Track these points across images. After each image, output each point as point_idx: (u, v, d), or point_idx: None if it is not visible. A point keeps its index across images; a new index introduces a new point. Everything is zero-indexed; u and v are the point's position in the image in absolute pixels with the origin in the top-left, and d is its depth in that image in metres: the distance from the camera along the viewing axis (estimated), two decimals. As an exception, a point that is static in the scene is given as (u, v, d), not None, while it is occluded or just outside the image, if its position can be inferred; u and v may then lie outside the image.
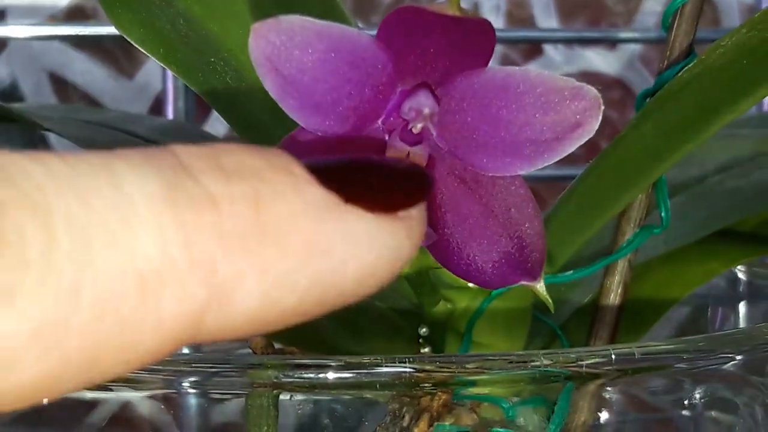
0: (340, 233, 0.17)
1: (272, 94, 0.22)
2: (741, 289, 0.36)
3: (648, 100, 0.28)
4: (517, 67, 0.22)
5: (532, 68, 0.22)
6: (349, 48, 0.22)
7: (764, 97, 0.26)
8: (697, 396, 0.28)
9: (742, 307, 0.36)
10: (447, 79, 0.23)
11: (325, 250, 0.17)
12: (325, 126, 0.23)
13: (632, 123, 0.27)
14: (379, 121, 0.23)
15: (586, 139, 0.22)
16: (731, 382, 0.28)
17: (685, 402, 0.28)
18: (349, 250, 0.17)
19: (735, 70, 0.25)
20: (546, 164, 0.23)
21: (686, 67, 0.26)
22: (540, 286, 0.24)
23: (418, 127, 0.23)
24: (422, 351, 0.30)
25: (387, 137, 0.23)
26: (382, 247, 0.18)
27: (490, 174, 0.23)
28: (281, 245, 0.17)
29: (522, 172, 0.23)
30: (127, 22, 0.27)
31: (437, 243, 0.24)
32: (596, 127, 0.22)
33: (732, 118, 0.26)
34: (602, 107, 0.22)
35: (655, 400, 0.28)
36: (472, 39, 0.22)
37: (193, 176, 0.17)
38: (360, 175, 0.18)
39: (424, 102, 0.23)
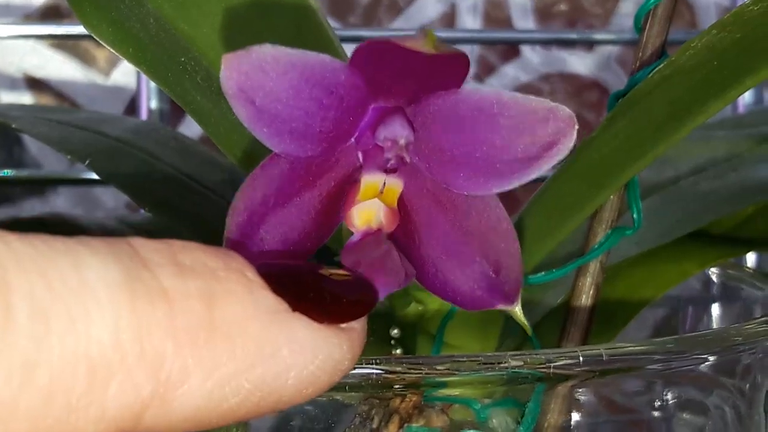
0: (286, 339, 0.18)
1: (245, 122, 0.22)
2: (714, 291, 0.36)
3: (619, 101, 0.28)
4: (490, 89, 0.22)
5: (506, 91, 0.22)
6: (322, 74, 0.21)
7: (734, 99, 0.26)
8: (668, 397, 0.28)
9: (715, 308, 0.36)
10: (421, 98, 0.23)
11: (270, 354, 0.17)
12: (299, 150, 0.22)
13: (603, 124, 0.27)
14: (353, 139, 0.23)
15: (561, 158, 0.22)
16: (702, 383, 0.28)
17: (656, 403, 0.28)
18: (294, 357, 0.18)
19: (705, 72, 0.25)
20: (521, 183, 0.23)
21: (657, 69, 0.26)
22: (518, 310, 0.24)
23: (393, 156, 0.23)
24: (393, 352, 0.30)
25: (360, 157, 0.23)
26: (324, 357, 0.18)
27: (465, 193, 0.23)
28: (229, 345, 0.17)
29: (497, 191, 0.23)
30: (95, 20, 0.26)
31: (413, 261, 0.24)
32: (571, 145, 0.22)
33: (702, 120, 0.26)
34: (576, 126, 0.22)
35: (626, 401, 0.28)
36: (447, 68, 0.22)
37: (150, 269, 0.17)
38: (309, 284, 0.19)
39: (399, 132, 0.23)
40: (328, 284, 0.19)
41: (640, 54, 0.29)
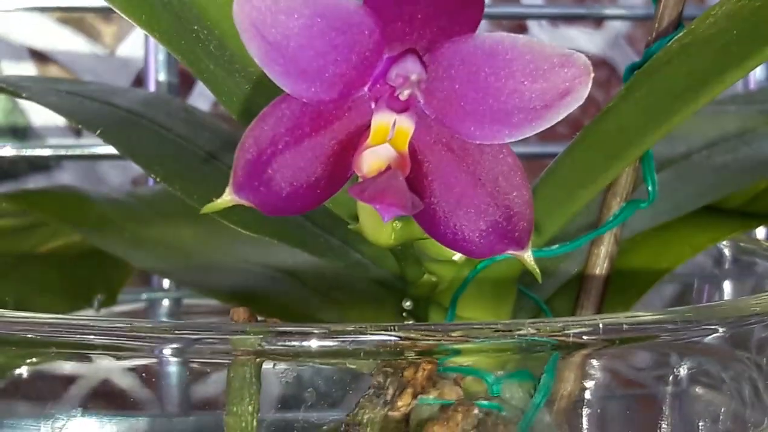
0: None
1: (257, 59, 0.22)
2: (726, 266, 0.36)
3: (636, 72, 0.28)
4: (505, 34, 0.22)
5: (521, 36, 0.22)
6: (335, 13, 0.21)
7: (753, 68, 0.25)
8: (684, 370, 0.28)
9: (727, 284, 0.36)
10: (435, 45, 0.22)
11: None
12: (310, 92, 0.22)
13: (620, 94, 0.27)
14: (366, 88, 0.23)
15: (575, 106, 0.22)
16: (717, 356, 0.27)
17: (671, 378, 0.28)
18: None
19: (724, 41, 0.25)
20: (534, 132, 0.22)
21: (676, 38, 0.26)
22: (527, 256, 0.23)
23: (405, 94, 0.23)
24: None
25: (373, 105, 0.23)
26: None
27: (477, 142, 0.23)
28: None
29: (510, 140, 0.23)
30: (109, -14, 0.26)
31: (424, 212, 0.23)
32: (585, 94, 0.22)
33: (720, 90, 0.26)
34: (592, 74, 0.22)
35: (640, 374, 0.28)
36: (460, 5, 0.22)
37: None
38: None
39: (411, 68, 0.22)
40: None
41: (656, 25, 0.29)
